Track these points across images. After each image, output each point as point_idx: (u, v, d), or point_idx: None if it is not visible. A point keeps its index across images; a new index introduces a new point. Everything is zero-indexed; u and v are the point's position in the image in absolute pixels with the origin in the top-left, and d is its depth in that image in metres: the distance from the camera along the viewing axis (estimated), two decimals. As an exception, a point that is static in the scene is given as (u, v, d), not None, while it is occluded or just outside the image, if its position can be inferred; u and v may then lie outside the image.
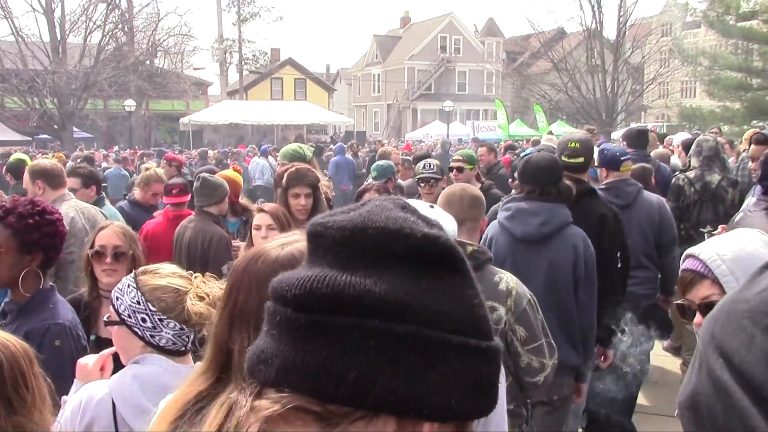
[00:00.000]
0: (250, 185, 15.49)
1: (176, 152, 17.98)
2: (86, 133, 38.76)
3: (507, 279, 3.22)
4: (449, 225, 2.84)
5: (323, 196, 4.46)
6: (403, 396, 0.74)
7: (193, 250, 4.99)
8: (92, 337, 3.35)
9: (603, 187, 5.42)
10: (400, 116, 54.11)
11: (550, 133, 16.09)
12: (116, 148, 29.48)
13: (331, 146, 21.99)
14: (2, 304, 3.13)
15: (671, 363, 7.35)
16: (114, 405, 2.24)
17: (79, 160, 12.10)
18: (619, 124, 35.29)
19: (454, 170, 6.63)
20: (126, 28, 39.11)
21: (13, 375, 1.94)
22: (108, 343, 3.25)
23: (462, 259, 0.83)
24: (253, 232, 4.14)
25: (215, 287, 2.28)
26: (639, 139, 7.90)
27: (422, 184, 6.08)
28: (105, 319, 2.43)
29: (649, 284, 5.54)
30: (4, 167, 8.11)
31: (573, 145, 4.79)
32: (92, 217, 5.00)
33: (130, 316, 2.32)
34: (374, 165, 7.19)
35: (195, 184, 5.53)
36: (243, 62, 52.61)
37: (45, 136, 35.75)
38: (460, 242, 3.21)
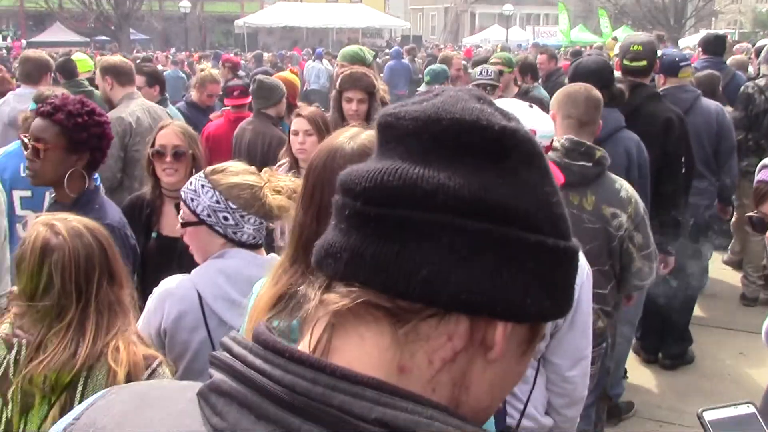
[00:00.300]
0: (305, 89, 15.43)
1: (233, 55, 17.91)
2: (143, 34, 38.87)
3: (626, 186, 3.25)
4: (548, 126, 2.80)
5: (380, 102, 4.31)
6: (477, 294, 0.72)
7: (253, 152, 5.01)
8: (154, 234, 3.44)
9: (661, 93, 5.22)
10: (458, 20, 52.70)
11: (615, 39, 15.46)
12: (173, 50, 29.53)
13: (387, 50, 21.63)
14: (46, 205, 3.16)
15: (730, 276, 7.26)
16: (201, 298, 2.32)
17: (139, 61, 12.15)
18: (687, 30, 33.76)
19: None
20: None
21: (112, 251, 2.14)
22: (169, 240, 3.37)
23: (541, 153, 0.79)
24: (291, 137, 4.11)
25: (285, 180, 2.35)
26: (715, 46, 7.58)
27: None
28: (181, 220, 2.49)
29: (709, 195, 5.42)
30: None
31: (635, 47, 4.66)
32: (158, 116, 5.08)
33: (210, 216, 2.38)
34: (427, 69, 7.04)
35: (251, 86, 5.54)
36: (298, -38, 51.54)
37: (102, 37, 35.97)
38: (589, 146, 3.23)
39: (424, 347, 0.73)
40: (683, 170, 4.45)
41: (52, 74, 6.35)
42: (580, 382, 2.53)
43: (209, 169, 2.50)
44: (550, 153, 3.15)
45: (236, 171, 2.45)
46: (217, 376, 0.70)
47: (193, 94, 6.91)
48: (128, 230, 3.06)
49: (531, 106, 2.86)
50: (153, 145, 3.44)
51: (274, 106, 5.31)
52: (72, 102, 2.97)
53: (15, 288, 2.45)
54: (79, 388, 1.95)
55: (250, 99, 5.72)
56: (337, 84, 4.41)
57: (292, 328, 1.43)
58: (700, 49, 7.90)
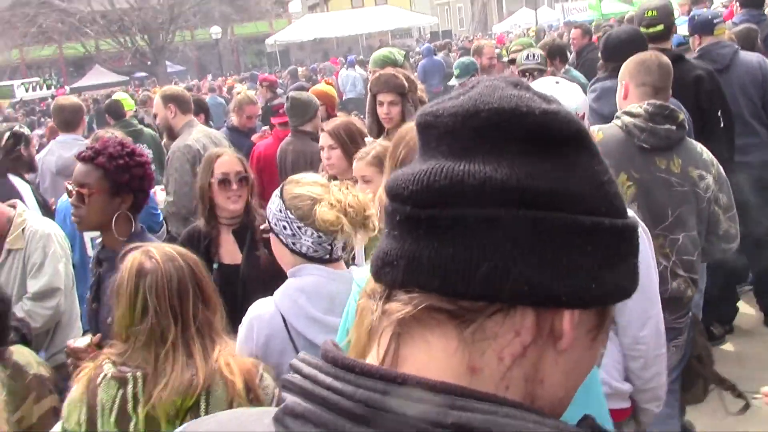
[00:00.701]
0: (343, 98, 15.52)
1: (269, 74, 18.13)
2: (178, 66, 39.63)
3: (704, 149, 3.24)
4: (574, 101, 2.78)
5: (414, 102, 4.22)
6: (539, 284, 0.71)
7: (299, 173, 5.04)
8: (215, 265, 3.44)
9: (696, 54, 5.13)
10: (485, 9, 52.22)
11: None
12: (209, 77, 30.03)
13: (418, 49, 21.59)
14: (95, 252, 3.16)
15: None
16: (284, 319, 2.36)
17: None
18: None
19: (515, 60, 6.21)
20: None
21: (203, 276, 2.22)
22: (230, 268, 3.42)
23: (586, 132, 0.77)
24: (321, 152, 4.11)
25: (349, 194, 2.36)
26: (759, 4, 7.35)
27: (527, 76, 5.50)
28: (261, 227, 2.59)
29: (764, 150, 5.23)
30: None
31: (650, 14, 4.61)
32: (219, 142, 5.26)
33: (275, 225, 2.44)
34: (456, 62, 6.98)
35: (285, 105, 5.57)
36: (320, -27, 51.84)
37: (141, 73, 36.81)
38: (673, 109, 3.21)
39: (492, 345, 0.72)
40: (722, 125, 4.39)
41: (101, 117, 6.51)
42: (653, 342, 2.51)
43: (288, 179, 2.58)
44: (634, 119, 3.17)
45: (306, 182, 2.49)
46: (290, 398, 0.70)
47: (234, 119, 7.02)
48: None
49: (557, 82, 2.89)
50: (212, 174, 3.45)
51: (310, 121, 5.31)
52: (112, 144, 3.00)
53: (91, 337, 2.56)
54: (203, 406, 2.03)
55: None
56: (369, 88, 4.38)
57: None
58: (738, 3, 7.69)
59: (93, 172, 2.91)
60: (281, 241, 2.44)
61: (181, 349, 2.06)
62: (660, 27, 4.57)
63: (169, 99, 5.34)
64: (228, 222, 3.49)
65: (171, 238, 4.67)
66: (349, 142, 3.85)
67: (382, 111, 4.22)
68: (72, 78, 40.64)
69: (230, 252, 3.46)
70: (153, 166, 6.87)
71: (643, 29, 4.55)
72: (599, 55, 4.63)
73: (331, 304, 2.35)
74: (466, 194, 0.71)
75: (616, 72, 3.88)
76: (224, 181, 3.42)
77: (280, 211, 2.42)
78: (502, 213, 0.70)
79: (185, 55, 39.39)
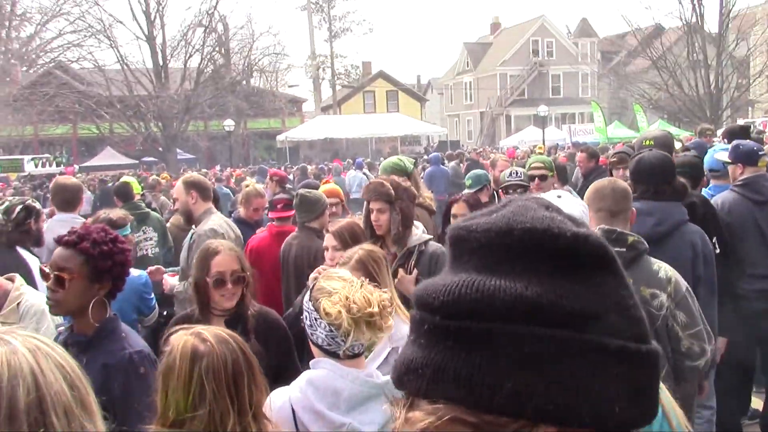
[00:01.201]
0: (348, 198, 15.66)
1: (280, 168, 18.38)
2: (189, 154, 40.31)
3: (665, 267, 3.32)
4: (577, 212, 2.94)
5: (404, 209, 4.30)
6: (563, 405, 0.70)
7: (300, 266, 5.04)
8: None
9: (739, 182, 5.16)
10: (494, 123, 53.62)
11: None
12: (218, 167, 30.45)
13: (425, 156, 21.99)
14: (63, 336, 3.05)
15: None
16: (293, 410, 2.39)
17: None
18: (725, 121, 33.77)
19: (536, 179, 6.11)
20: (223, 51, 40.58)
21: (254, 359, 2.19)
22: None
23: (614, 257, 0.78)
24: (325, 253, 4.17)
25: (360, 291, 2.38)
26: (740, 136, 7.51)
27: (510, 192, 5.60)
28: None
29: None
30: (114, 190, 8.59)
31: (647, 142, 4.98)
32: (234, 229, 5.42)
33: (304, 314, 2.53)
34: (470, 174, 7.09)
35: (294, 201, 5.62)
36: (335, 77, 53.57)
37: (150, 158, 37.38)
38: (620, 233, 3.39)
39: None
40: (717, 251, 4.44)
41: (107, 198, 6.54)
42: None
43: (325, 272, 2.70)
44: None
45: (332, 276, 2.54)
46: None
47: (241, 210, 7.02)
48: (154, 355, 2.98)
49: (559, 196, 3.08)
50: (208, 272, 3.41)
51: (317, 218, 5.35)
52: (96, 230, 2.96)
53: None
54: None
55: (293, 212, 5.80)
56: (362, 195, 4.50)
57: None
58: (725, 140, 7.87)
59: (75, 257, 2.85)
60: (305, 329, 2.52)
61: None
62: None
63: (191, 185, 5.42)
64: (220, 314, 3.46)
65: (164, 321, 4.58)
66: (352, 243, 3.85)
67: (373, 218, 4.33)
68: (82, 157, 41.30)
69: None
70: (157, 249, 6.95)
71: None
72: (628, 175, 4.70)
73: (336, 400, 2.37)
74: (496, 309, 0.72)
75: (645, 195, 4.03)
76: (219, 281, 3.39)
77: (307, 300, 2.50)
78: (531, 330, 0.71)
79: (196, 144, 40.13)
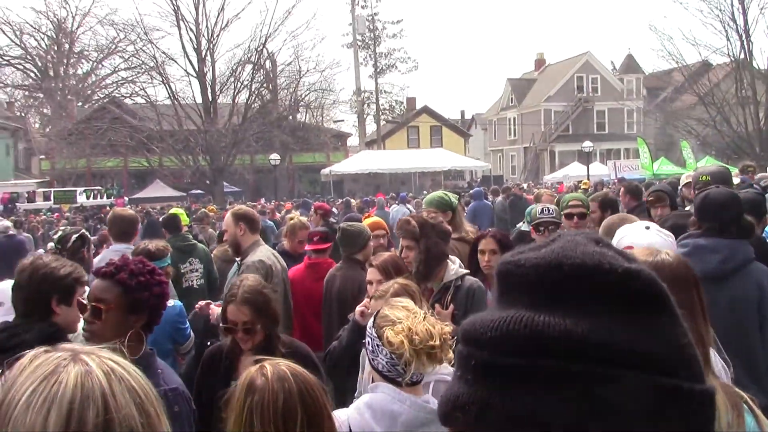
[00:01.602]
0: (392, 232, 15.73)
1: (323, 201, 18.59)
2: (235, 186, 40.92)
3: None
4: (668, 243, 2.98)
5: (436, 246, 4.31)
6: None
7: (343, 297, 5.11)
8: (233, 383, 3.44)
9: None
10: (538, 159, 53.38)
11: (696, 170, 15.31)
12: (263, 200, 30.86)
13: (469, 191, 22.00)
14: None
15: None
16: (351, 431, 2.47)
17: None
18: (774, 157, 33.12)
19: (575, 217, 5.98)
20: (270, 87, 41.33)
21: (318, 401, 2.20)
22: None
23: (667, 294, 0.77)
24: (368, 286, 4.19)
25: (424, 323, 2.46)
26: None
27: (541, 229, 5.61)
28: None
29: None
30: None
31: (704, 178, 4.91)
32: (281, 261, 5.55)
33: (366, 337, 2.61)
34: (528, 209, 7.14)
35: (337, 234, 5.72)
36: (380, 113, 54.02)
37: (198, 191, 38.05)
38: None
39: None
40: None
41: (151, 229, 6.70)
42: None
43: (393, 299, 2.78)
44: None
45: (396, 305, 2.63)
46: None
47: (285, 243, 7.13)
48: (188, 393, 2.96)
49: (647, 227, 3.11)
50: (225, 319, 3.47)
51: (360, 251, 5.44)
52: (133, 262, 2.96)
53: None
54: None
55: (330, 244, 5.92)
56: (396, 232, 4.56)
57: None
58: None
59: (113, 288, 2.84)
60: (367, 354, 2.60)
61: None
62: None
63: (240, 218, 5.54)
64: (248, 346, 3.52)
65: (199, 352, 4.67)
66: (396, 276, 3.89)
67: (402, 254, 4.40)
68: (132, 189, 42.27)
69: None
70: (202, 281, 7.10)
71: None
72: (664, 213, 4.64)
73: (393, 423, 2.44)
74: (545, 346, 0.71)
75: (711, 232, 3.91)
76: (229, 329, 3.46)
77: (371, 327, 2.57)
78: (580, 368, 0.70)
79: (242, 177, 40.73)
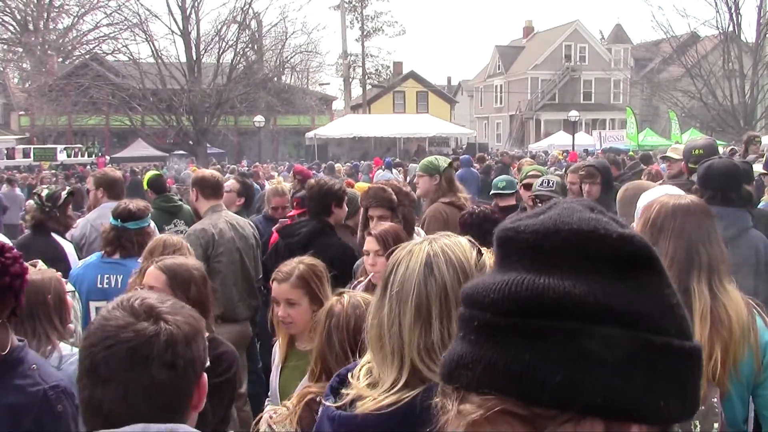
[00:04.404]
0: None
1: (306, 166, 18.42)
2: (218, 148, 40.57)
3: None
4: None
5: (410, 215, 4.02)
6: (611, 399, 0.73)
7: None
8: None
9: None
10: (523, 127, 53.31)
11: (678, 142, 15.36)
12: (245, 162, 30.60)
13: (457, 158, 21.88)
14: None
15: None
16: None
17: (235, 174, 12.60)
18: (759, 131, 33.29)
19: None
20: (256, 47, 40.77)
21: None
22: None
23: (657, 257, 0.81)
24: (364, 256, 3.83)
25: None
26: None
27: (539, 203, 5.38)
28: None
29: None
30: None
31: (697, 152, 5.06)
32: (242, 228, 5.32)
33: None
34: (502, 177, 7.03)
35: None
36: (366, 77, 53.64)
37: (181, 151, 37.73)
38: None
39: None
40: None
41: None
42: None
43: None
44: None
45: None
46: None
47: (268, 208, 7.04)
48: (73, 387, 2.25)
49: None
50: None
51: (351, 217, 5.33)
52: None
53: None
54: None
55: (304, 209, 5.74)
56: (361, 200, 4.18)
57: None
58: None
59: None
60: None
61: None
62: None
63: (194, 182, 5.40)
64: None
65: None
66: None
67: (372, 225, 3.98)
68: (114, 148, 41.80)
69: None
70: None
71: (691, 165, 4.82)
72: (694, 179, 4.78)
73: None
74: (545, 306, 0.75)
75: (714, 200, 4.04)
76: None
77: None
78: (579, 327, 0.74)
79: (226, 139, 40.35)
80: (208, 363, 1.61)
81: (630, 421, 0.75)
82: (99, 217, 5.84)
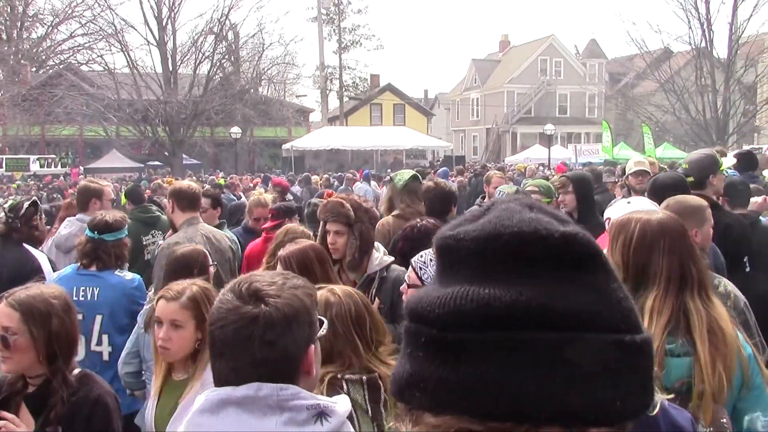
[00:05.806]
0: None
1: (282, 177, 18.33)
2: (194, 159, 40.28)
3: (725, 282, 3.31)
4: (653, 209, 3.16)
5: (369, 233, 3.94)
6: (566, 405, 0.71)
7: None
8: None
9: (717, 203, 5.17)
10: (500, 140, 53.60)
11: (650, 156, 15.54)
12: (220, 173, 30.41)
13: (432, 171, 21.92)
14: None
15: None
16: None
17: (206, 186, 12.48)
18: (730, 146, 33.79)
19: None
20: (233, 59, 40.64)
21: (371, 309, 2.73)
22: None
23: (601, 252, 0.79)
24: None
25: None
26: (747, 162, 7.67)
27: None
28: (407, 281, 3.02)
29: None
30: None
31: (683, 166, 5.15)
32: (218, 242, 5.16)
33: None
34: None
35: (306, 210, 5.58)
36: (343, 89, 53.63)
37: (156, 162, 37.38)
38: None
39: None
40: (747, 269, 4.56)
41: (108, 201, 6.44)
42: None
43: None
44: None
45: None
46: None
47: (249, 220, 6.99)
48: None
49: (629, 202, 3.47)
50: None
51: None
52: None
53: None
54: None
55: (280, 221, 5.67)
56: (319, 214, 4.12)
57: None
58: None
59: None
60: None
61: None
62: (691, 178, 4.86)
63: (170, 194, 5.30)
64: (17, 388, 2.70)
65: None
66: (303, 275, 3.55)
67: (328, 240, 3.95)
68: (88, 159, 41.30)
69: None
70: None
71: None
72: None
73: None
74: (492, 318, 0.72)
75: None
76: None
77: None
78: (527, 336, 0.72)
79: (202, 150, 40.06)
80: (324, 328, 1.81)
81: (587, 426, 0.73)
82: (67, 226, 5.79)
